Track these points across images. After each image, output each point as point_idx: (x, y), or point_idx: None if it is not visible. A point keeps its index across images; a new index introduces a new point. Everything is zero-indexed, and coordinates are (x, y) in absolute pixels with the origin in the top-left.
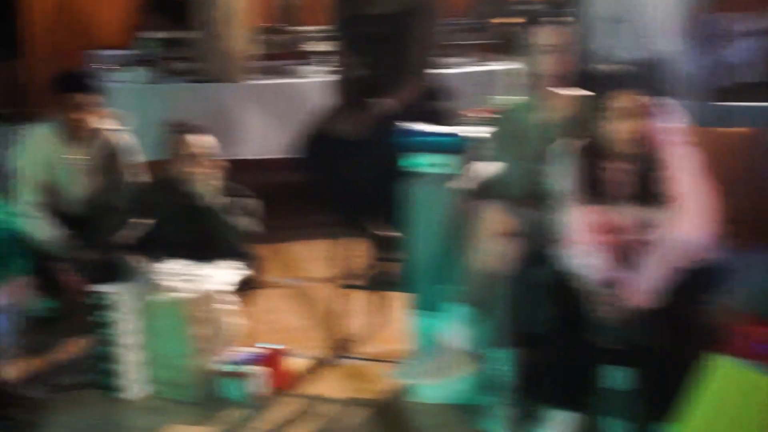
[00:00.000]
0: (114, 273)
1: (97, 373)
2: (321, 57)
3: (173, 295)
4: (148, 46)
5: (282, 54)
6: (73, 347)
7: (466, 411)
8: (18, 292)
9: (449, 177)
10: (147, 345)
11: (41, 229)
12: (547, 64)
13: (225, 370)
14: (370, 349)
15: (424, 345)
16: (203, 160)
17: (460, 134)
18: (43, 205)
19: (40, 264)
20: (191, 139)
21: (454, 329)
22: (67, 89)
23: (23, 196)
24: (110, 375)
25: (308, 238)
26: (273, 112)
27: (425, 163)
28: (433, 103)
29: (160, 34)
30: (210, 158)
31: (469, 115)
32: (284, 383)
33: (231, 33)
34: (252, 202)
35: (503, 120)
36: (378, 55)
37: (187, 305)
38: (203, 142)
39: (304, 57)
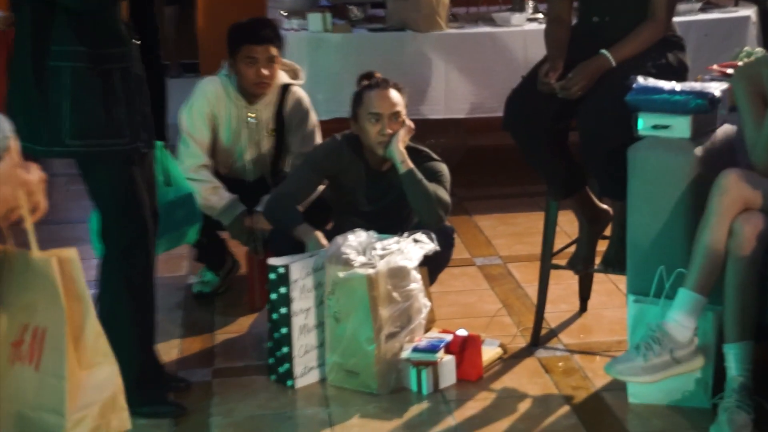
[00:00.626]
0: (289, 245)
1: (266, 356)
2: (530, 2)
3: (356, 270)
4: None
5: None
6: (240, 327)
7: (688, 414)
8: (181, 264)
9: (684, 141)
10: (324, 326)
11: (208, 194)
12: None
13: (410, 357)
14: (573, 339)
15: (642, 337)
16: (394, 120)
17: (699, 92)
18: (210, 168)
19: (205, 233)
20: (382, 95)
21: (678, 319)
22: (244, 41)
23: (190, 157)
24: (281, 359)
25: (503, 210)
26: (472, 65)
27: (657, 124)
28: (671, 56)
29: None
30: (401, 117)
31: (711, 69)
32: (475, 374)
33: None
34: (442, 168)
35: (748, 76)
36: None
37: (372, 283)
38: (394, 99)
39: (510, 2)
